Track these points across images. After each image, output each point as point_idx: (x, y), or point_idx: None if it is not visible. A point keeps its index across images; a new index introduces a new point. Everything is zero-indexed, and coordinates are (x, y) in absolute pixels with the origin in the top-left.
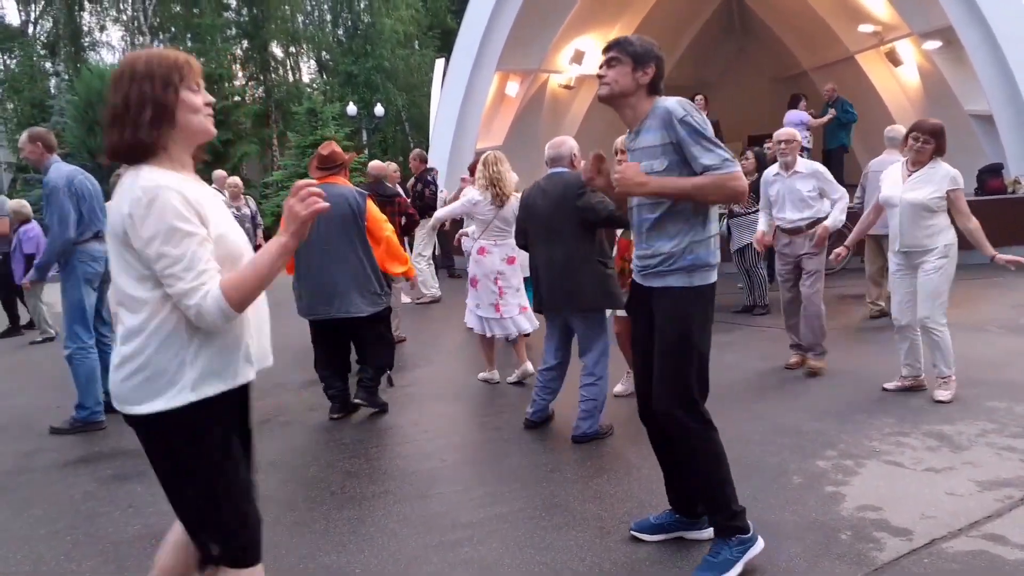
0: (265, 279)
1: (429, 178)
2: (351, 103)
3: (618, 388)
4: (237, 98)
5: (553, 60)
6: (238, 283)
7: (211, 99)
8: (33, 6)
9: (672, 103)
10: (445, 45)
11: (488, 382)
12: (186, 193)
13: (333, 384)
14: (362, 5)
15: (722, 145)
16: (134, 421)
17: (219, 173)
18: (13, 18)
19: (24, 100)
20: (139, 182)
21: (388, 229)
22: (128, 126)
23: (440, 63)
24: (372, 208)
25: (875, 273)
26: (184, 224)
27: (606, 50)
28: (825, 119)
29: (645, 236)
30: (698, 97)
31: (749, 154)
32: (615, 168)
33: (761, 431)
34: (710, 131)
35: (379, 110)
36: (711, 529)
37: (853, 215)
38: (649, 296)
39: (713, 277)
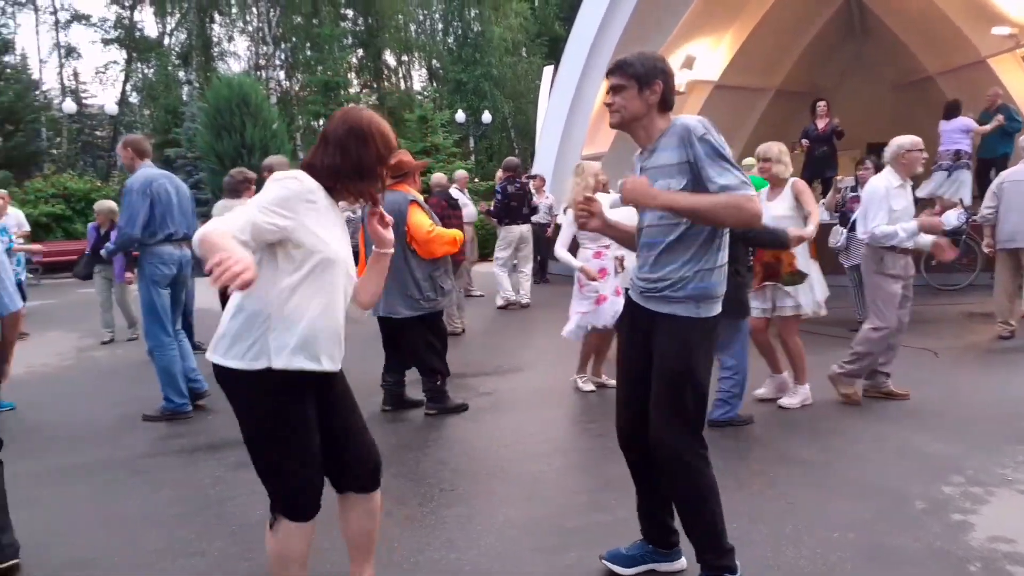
0: None
1: (511, 188)
2: (460, 110)
3: (760, 391)
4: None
5: None
6: None
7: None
8: (169, 19)
9: (692, 121)
10: (552, 52)
11: (587, 388)
12: None
13: (385, 378)
14: (472, 14)
15: (740, 167)
16: None
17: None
18: (151, 30)
19: (159, 107)
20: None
21: (430, 229)
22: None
23: (548, 70)
24: (413, 213)
25: (1010, 290)
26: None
27: (608, 75)
28: (991, 126)
29: (654, 258)
30: (820, 104)
31: (868, 163)
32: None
33: (881, 452)
34: (729, 152)
35: (486, 117)
36: (683, 560)
37: (980, 227)
38: (648, 319)
39: (718, 308)
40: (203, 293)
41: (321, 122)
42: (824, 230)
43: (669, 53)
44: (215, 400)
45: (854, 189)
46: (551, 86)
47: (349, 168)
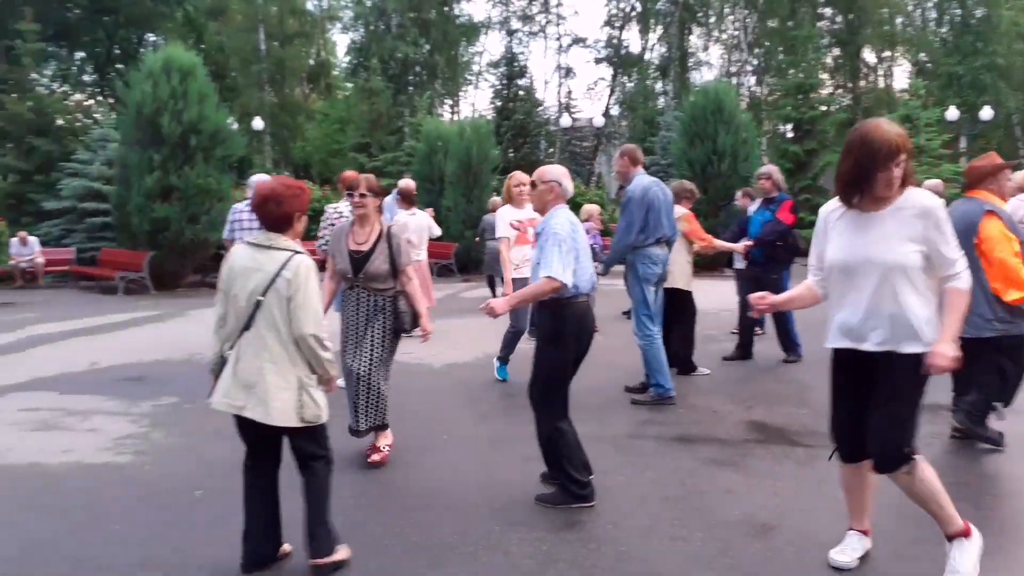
0: None
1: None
2: (952, 107)
3: None
4: (824, 108)
5: None
6: None
7: None
8: (651, 34)
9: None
10: None
11: None
12: None
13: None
14: None
15: None
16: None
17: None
18: (635, 47)
19: (638, 117)
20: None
21: (1004, 251)
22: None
23: None
24: (988, 226)
25: None
26: None
27: None
28: None
29: None
30: None
31: None
32: None
33: None
34: None
35: (985, 113)
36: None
37: None
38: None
39: None
40: None
41: (790, 127)
42: None
43: None
44: (683, 397)
45: None
46: None
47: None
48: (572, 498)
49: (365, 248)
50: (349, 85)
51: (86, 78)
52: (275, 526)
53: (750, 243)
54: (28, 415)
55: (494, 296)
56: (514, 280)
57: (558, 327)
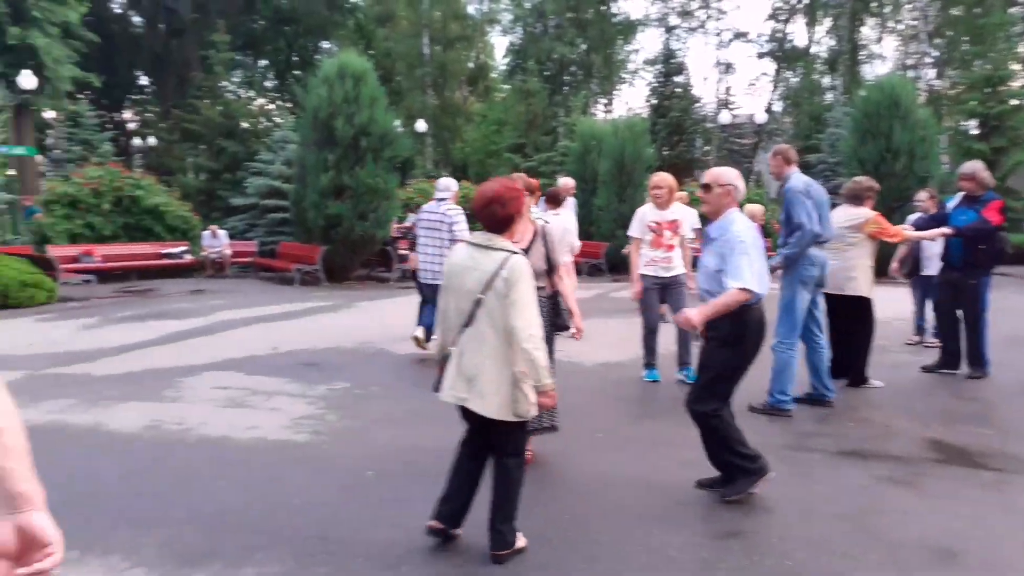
0: None
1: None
2: None
3: None
4: (1015, 102)
5: None
6: None
7: None
8: (818, 27)
9: None
10: None
11: None
12: None
13: None
14: None
15: None
16: None
17: None
18: (800, 40)
19: (803, 113)
20: None
21: None
22: None
23: None
24: None
25: None
26: None
27: None
28: None
29: None
30: None
31: None
32: None
33: None
34: None
35: None
36: None
37: None
38: None
39: None
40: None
41: (974, 123)
42: None
43: None
44: (854, 410)
45: None
46: None
47: None
48: (750, 475)
49: (521, 247)
50: (506, 87)
51: (268, 84)
52: (467, 504)
53: (949, 230)
54: (219, 392)
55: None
56: (643, 276)
57: (739, 332)
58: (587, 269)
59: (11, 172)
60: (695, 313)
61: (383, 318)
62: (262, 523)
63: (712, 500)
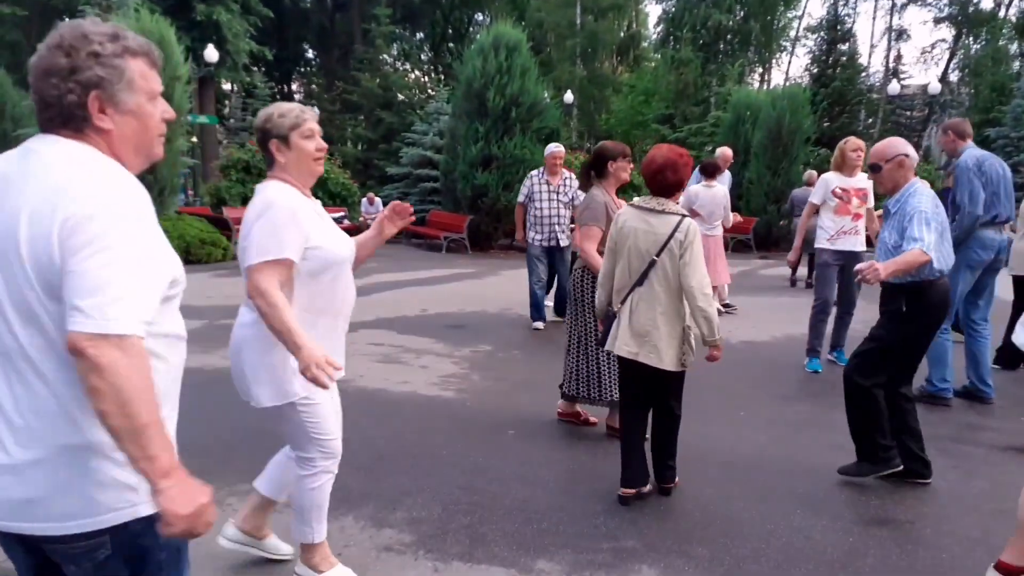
0: None
1: None
2: None
3: None
4: None
5: None
6: None
7: None
8: None
9: None
10: None
11: None
12: None
13: None
14: None
15: None
16: None
17: None
18: (986, 2)
19: (984, 83)
20: None
21: None
22: None
23: None
24: None
25: None
26: None
27: None
28: None
29: None
30: None
31: None
32: None
33: None
34: None
35: None
36: None
37: None
38: None
39: None
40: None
41: None
42: None
43: None
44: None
45: None
46: None
47: None
48: (875, 464)
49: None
50: (657, 56)
51: (423, 56)
52: (644, 459)
53: None
54: (375, 348)
55: (794, 278)
56: (823, 251)
57: (913, 310)
58: (733, 244)
59: (194, 139)
60: (882, 265)
61: (525, 286)
62: (413, 471)
63: (862, 486)
